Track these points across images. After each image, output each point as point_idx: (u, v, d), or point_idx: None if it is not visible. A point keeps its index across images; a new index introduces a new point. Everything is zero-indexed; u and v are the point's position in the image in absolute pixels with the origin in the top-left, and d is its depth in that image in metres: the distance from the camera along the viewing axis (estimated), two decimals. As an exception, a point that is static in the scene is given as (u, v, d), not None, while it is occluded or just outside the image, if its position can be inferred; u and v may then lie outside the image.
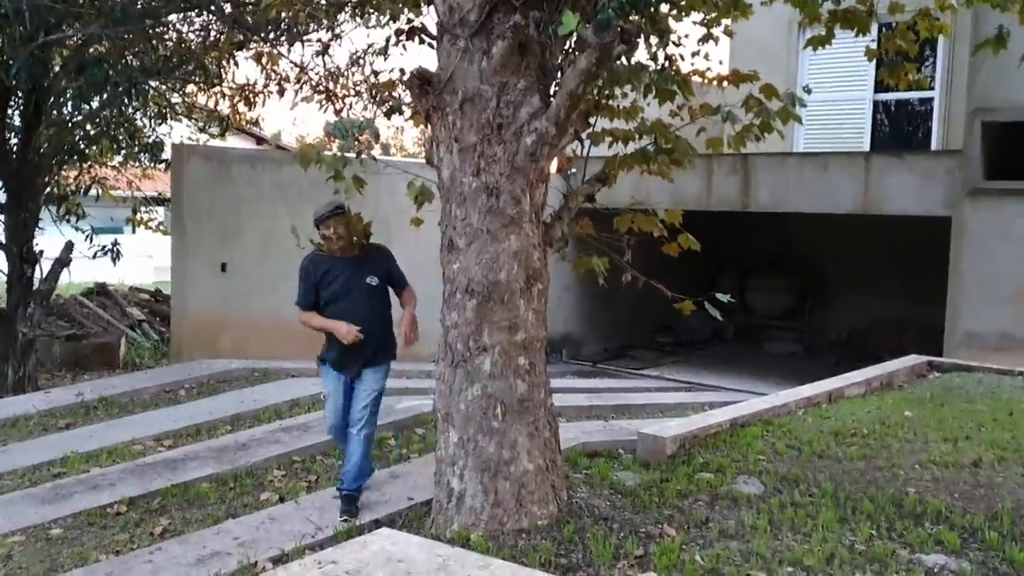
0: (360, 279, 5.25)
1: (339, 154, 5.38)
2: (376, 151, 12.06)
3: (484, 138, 4.66)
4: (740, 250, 15.26)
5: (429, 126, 4.87)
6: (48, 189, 8.97)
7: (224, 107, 12.13)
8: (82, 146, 10.26)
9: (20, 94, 8.82)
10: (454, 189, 4.73)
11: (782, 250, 15.38)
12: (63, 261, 8.53)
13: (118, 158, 12.10)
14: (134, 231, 17.68)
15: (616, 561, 4.38)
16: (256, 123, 12.71)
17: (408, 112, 5.98)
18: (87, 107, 9.84)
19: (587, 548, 4.51)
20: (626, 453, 6.28)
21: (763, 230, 14.39)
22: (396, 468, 5.97)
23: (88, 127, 10.29)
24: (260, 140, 18.11)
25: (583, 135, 5.22)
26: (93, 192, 11.09)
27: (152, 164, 12.36)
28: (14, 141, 8.84)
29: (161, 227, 13.33)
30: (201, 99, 12.34)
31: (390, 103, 6.69)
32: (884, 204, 11.02)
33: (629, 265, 5.39)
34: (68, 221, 11.15)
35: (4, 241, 8.65)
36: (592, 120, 5.36)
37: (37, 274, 8.60)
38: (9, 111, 8.94)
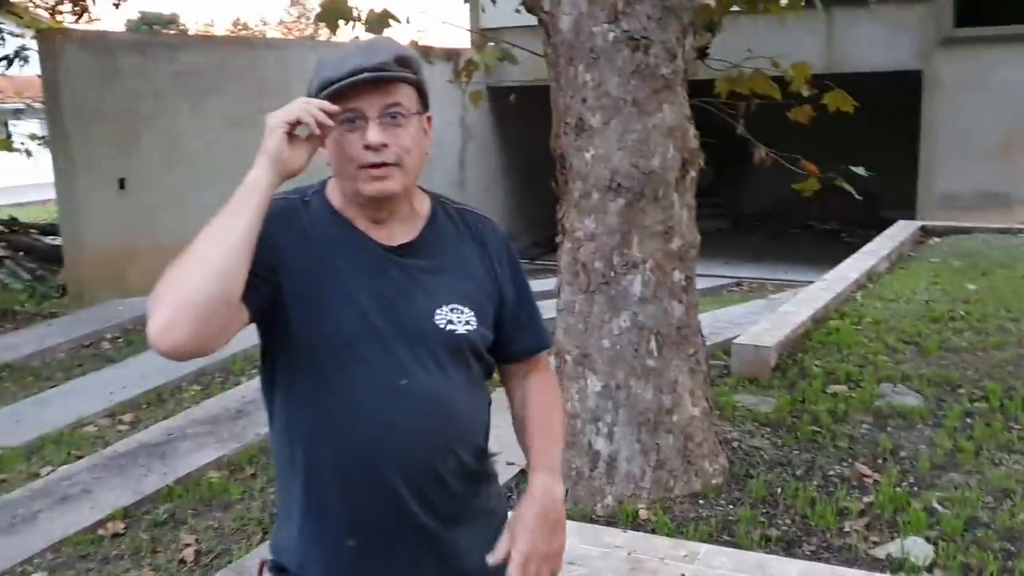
0: (417, 302, 1.55)
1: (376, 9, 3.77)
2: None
3: (622, -32, 3.31)
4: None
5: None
6: None
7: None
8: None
9: None
10: (580, 45, 3.38)
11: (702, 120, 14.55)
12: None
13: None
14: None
15: (841, 522, 3.37)
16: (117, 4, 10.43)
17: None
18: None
19: (792, 509, 3.47)
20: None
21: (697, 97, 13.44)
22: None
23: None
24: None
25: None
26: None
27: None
28: None
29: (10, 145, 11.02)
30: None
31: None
32: (850, 60, 10.20)
33: (748, 135, 4.26)
34: None
35: None
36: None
37: None
38: None
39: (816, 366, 4.94)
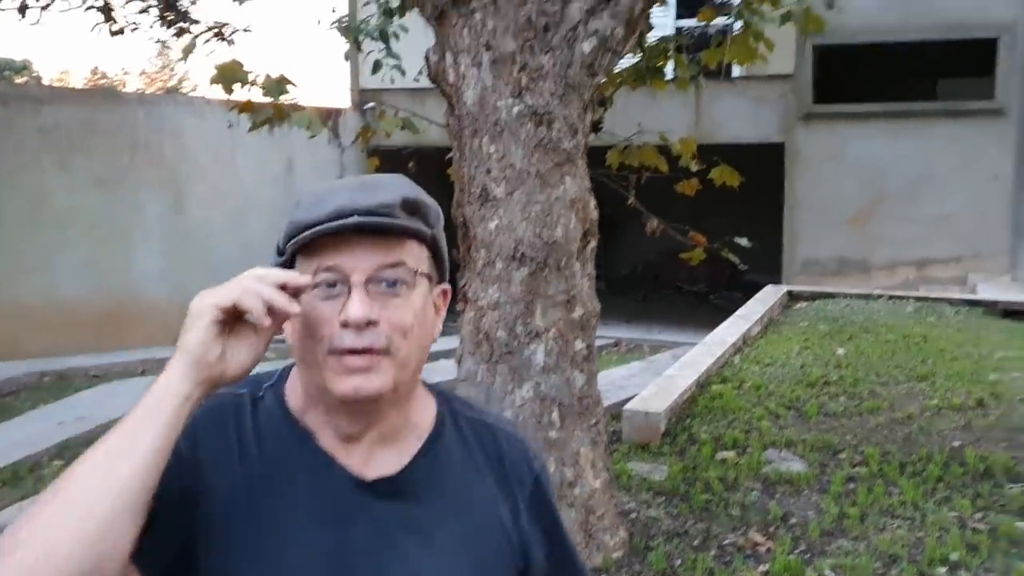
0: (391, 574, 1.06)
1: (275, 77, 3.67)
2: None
3: (525, 44, 3.35)
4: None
5: (440, 29, 3.45)
6: None
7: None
8: None
9: None
10: (485, 117, 3.39)
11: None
12: None
13: None
14: None
15: (740, 593, 3.41)
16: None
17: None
18: None
19: (694, 581, 3.49)
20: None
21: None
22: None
23: None
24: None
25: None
26: None
27: None
28: None
29: None
30: None
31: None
32: (718, 132, 10.67)
33: (640, 206, 4.36)
34: None
35: None
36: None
37: None
38: None
39: (704, 432, 5.02)
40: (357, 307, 0.99)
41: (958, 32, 9.81)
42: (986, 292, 9.02)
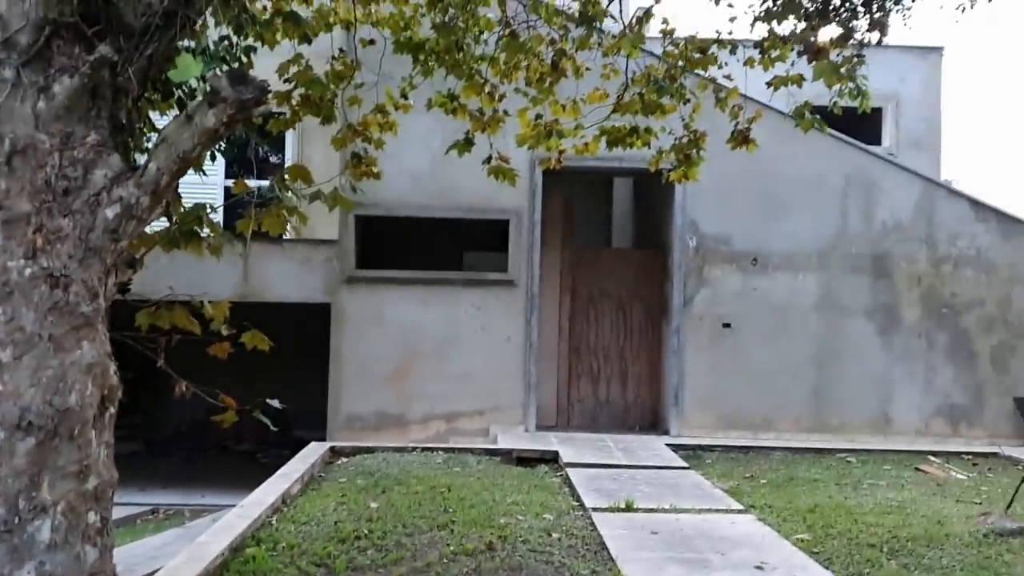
0: None
1: None
2: None
3: (44, 206, 3.30)
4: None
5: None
6: None
7: None
8: None
9: None
10: (-9, 278, 3.22)
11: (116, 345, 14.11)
12: None
13: None
14: None
15: None
16: None
17: None
18: None
19: None
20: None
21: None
22: None
23: None
24: None
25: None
26: None
27: None
28: None
29: None
30: None
31: None
32: (266, 291, 10.93)
33: (168, 368, 4.35)
34: None
35: None
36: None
37: None
38: None
39: (234, 597, 4.96)
40: None
41: (478, 213, 11.24)
42: (504, 441, 10.09)
